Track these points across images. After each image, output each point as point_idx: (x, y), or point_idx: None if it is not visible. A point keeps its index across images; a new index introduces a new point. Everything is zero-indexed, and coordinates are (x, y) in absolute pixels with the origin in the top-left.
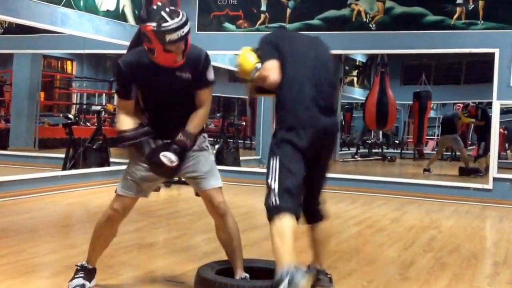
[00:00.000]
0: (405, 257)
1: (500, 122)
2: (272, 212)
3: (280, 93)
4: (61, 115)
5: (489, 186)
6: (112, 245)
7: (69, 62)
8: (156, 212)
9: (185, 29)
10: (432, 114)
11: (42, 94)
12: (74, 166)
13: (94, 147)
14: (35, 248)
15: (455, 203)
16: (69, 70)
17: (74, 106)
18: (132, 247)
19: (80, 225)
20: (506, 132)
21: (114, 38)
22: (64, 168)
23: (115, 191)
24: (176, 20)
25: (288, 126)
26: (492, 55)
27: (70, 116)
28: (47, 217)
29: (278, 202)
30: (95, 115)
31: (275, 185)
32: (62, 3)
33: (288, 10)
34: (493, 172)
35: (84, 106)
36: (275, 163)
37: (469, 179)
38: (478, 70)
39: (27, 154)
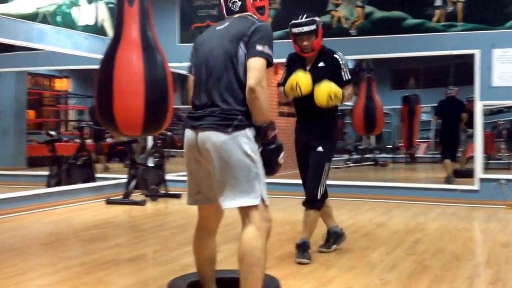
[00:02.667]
0: (387, 261)
1: None
2: None
3: None
4: (42, 132)
5: (476, 187)
6: (89, 261)
7: (57, 80)
8: (140, 226)
9: None
10: (424, 117)
11: (32, 112)
12: (58, 183)
13: (78, 163)
14: (11, 268)
15: (442, 205)
16: (57, 87)
17: (63, 123)
18: (110, 263)
19: (59, 242)
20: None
21: (94, 53)
22: (48, 186)
23: (260, 203)
24: None
25: None
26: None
27: (53, 133)
28: (28, 236)
29: None
30: (77, 131)
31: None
32: (38, 20)
33: (269, 19)
34: (480, 173)
35: (75, 123)
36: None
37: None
38: (466, 71)
39: (13, 173)
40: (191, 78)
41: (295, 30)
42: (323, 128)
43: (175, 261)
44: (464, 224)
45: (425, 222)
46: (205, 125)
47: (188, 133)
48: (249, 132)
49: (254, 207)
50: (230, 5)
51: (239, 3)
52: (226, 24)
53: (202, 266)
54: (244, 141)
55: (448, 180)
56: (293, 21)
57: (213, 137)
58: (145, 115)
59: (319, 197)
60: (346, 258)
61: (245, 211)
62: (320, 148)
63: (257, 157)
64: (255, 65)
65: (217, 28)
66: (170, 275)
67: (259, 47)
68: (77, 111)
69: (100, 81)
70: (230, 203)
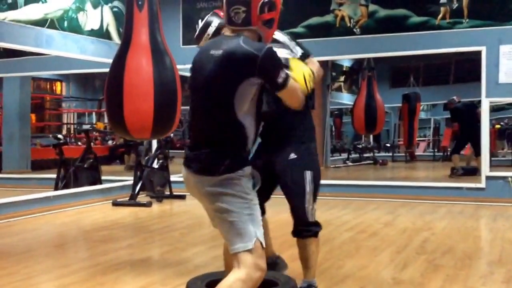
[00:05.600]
0: (398, 260)
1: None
2: None
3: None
4: (50, 135)
5: (482, 185)
6: (103, 262)
7: (58, 83)
8: (148, 228)
9: None
10: (422, 115)
11: (33, 116)
12: (66, 186)
13: (85, 166)
14: (28, 269)
15: (448, 204)
16: (58, 91)
17: (65, 126)
18: (125, 263)
19: (72, 244)
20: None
21: (100, 57)
22: (56, 188)
23: (256, 246)
24: None
25: None
26: (479, 53)
27: (60, 136)
28: (40, 238)
29: None
30: (84, 134)
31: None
32: (47, 25)
33: None
34: (486, 170)
35: (76, 126)
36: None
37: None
38: (466, 69)
39: (19, 176)
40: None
41: None
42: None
43: (187, 262)
44: (472, 223)
45: (432, 221)
46: (194, 168)
47: (183, 171)
48: (240, 172)
49: (248, 251)
50: (232, 15)
51: (243, 15)
52: (221, 51)
53: (228, 269)
54: (234, 183)
55: (455, 173)
56: None
57: (202, 182)
58: (154, 118)
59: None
60: (356, 257)
61: (237, 256)
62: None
63: (250, 197)
64: (289, 95)
65: (212, 52)
66: (183, 275)
67: (278, 79)
68: (76, 114)
69: (110, 85)
70: (231, 248)
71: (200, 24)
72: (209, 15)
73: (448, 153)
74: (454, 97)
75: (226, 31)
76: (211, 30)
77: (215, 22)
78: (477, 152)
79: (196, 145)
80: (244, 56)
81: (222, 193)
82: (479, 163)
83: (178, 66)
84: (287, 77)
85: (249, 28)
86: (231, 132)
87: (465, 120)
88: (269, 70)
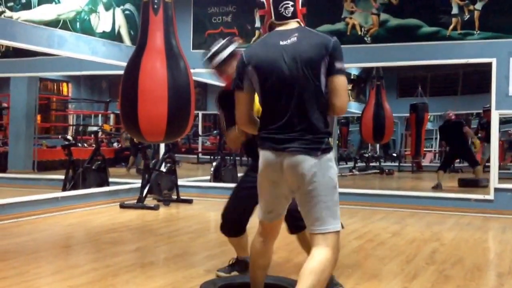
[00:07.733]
0: (408, 270)
1: None
2: None
3: None
4: (59, 136)
5: (491, 196)
6: (114, 264)
7: (65, 84)
8: (156, 231)
9: None
10: (429, 126)
11: (39, 117)
12: (74, 187)
13: (93, 167)
14: (39, 269)
15: (456, 215)
16: (65, 92)
17: (71, 127)
18: (135, 265)
19: (81, 245)
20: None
21: (111, 59)
22: (64, 189)
23: (340, 229)
24: None
25: None
26: (488, 65)
27: (69, 137)
28: (49, 238)
29: None
30: (93, 136)
31: None
32: (59, 26)
33: None
34: (494, 182)
35: (81, 127)
36: None
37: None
38: (475, 80)
39: (26, 177)
40: (242, 95)
41: None
42: None
43: (197, 266)
44: (480, 234)
45: (440, 231)
46: (293, 149)
47: (268, 154)
48: (332, 155)
49: (336, 232)
50: (282, 10)
51: (292, 8)
52: (294, 39)
53: (256, 272)
54: (330, 165)
55: (436, 187)
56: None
57: (303, 161)
58: (168, 122)
59: None
60: (365, 266)
61: (325, 235)
62: None
63: (337, 180)
64: (342, 85)
65: (282, 43)
66: (194, 279)
67: (338, 65)
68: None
69: (124, 88)
70: (320, 228)
71: (216, 46)
72: (225, 40)
73: (454, 165)
74: (449, 112)
75: (277, 27)
76: (224, 54)
77: (231, 47)
78: (472, 163)
79: (289, 127)
80: (321, 39)
81: (322, 174)
82: (478, 173)
83: None
84: (344, 70)
85: (296, 20)
86: (323, 112)
87: (452, 139)
88: (336, 54)
